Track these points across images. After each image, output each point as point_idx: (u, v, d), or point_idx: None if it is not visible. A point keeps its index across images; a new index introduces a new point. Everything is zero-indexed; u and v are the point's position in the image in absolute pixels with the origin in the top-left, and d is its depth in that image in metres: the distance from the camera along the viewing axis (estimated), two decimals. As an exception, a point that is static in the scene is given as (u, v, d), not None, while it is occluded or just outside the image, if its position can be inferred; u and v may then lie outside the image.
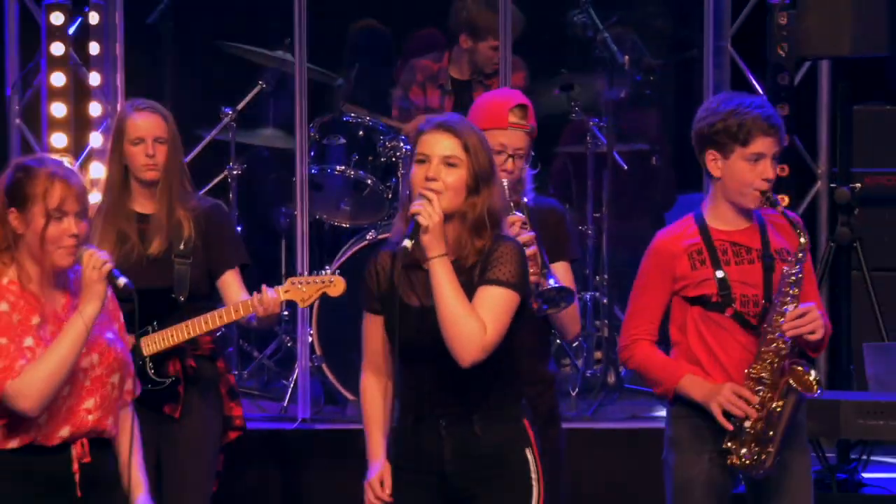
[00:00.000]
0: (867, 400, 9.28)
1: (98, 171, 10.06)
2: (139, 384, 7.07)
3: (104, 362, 6.78)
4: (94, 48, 10.33)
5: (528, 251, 7.24)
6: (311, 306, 9.75)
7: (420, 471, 6.95)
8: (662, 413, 8.35)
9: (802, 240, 7.39)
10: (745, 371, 7.43)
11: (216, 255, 8.51)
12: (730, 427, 7.40)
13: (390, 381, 7.04)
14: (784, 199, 7.68)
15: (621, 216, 10.79)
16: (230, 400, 8.70)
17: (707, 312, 7.55)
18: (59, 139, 10.20)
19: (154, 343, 8.31)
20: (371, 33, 11.32)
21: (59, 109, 10.27)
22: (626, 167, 10.77)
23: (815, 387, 7.37)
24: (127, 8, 10.32)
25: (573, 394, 10.39)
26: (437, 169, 6.70)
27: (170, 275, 8.46)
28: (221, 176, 10.64)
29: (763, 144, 7.44)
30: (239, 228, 9.74)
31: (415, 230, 6.66)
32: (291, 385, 10.19)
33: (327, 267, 8.75)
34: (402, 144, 10.37)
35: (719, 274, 7.54)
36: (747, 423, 7.39)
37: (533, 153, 7.85)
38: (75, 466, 6.75)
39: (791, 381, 7.39)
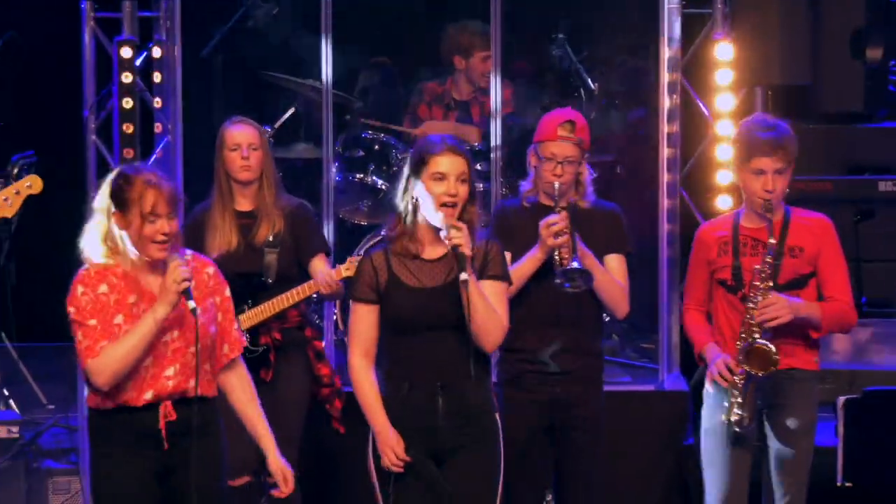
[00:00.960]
0: (881, 370, 9.40)
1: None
2: (238, 347, 7.06)
3: (183, 336, 6.79)
4: (156, 77, 10.31)
5: (561, 239, 7.45)
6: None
7: (411, 427, 6.99)
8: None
9: (771, 240, 7.43)
10: (738, 344, 7.48)
11: (304, 245, 8.65)
12: (724, 385, 7.48)
13: (372, 363, 7.12)
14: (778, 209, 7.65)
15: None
16: (317, 361, 8.87)
17: (727, 294, 7.60)
18: (127, 153, 10.22)
19: (248, 319, 8.47)
20: (383, 67, 11.27)
21: (127, 128, 10.28)
22: (595, 174, 10.77)
23: (771, 367, 7.39)
24: (184, 43, 10.30)
25: None
26: (456, 186, 6.83)
27: (260, 262, 8.55)
28: (262, 183, 10.61)
29: (764, 162, 7.49)
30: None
31: (462, 258, 6.77)
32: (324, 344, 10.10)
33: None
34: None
35: (735, 262, 7.58)
36: (733, 391, 7.47)
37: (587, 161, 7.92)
38: (161, 424, 6.77)
39: (745, 362, 7.43)
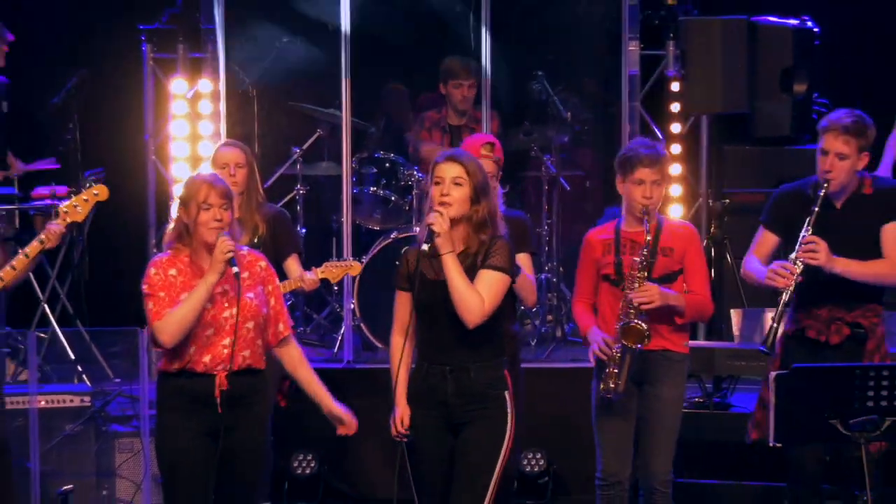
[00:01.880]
0: (733, 348, 9.34)
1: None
2: (289, 325, 7.09)
3: (241, 314, 6.80)
4: (205, 107, 10.30)
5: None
6: (353, 284, 9.79)
7: (430, 402, 6.92)
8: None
9: (648, 237, 7.43)
10: (615, 325, 7.45)
11: (281, 246, 8.52)
12: (603, 359, 7.48)
13: (411, 340, 6.97)
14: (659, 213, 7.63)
15: (566, 221, 10.71)
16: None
17: (611, 287, 7.56)
18: (180, 168, 10.21)
19: None
20: (395, 93, 11.23)
21: (180, 149, 10.28)
22: (568, 188, 10.74)
23: (644, 340, 7.39)
24: (228, 78, 10.30)
25: (532, 343, 10.30)
26: (449, 187, 6.77)
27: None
28: (292, 195, 10.60)
29: (643, 173, 7.44)
30: (304, 231, 9.69)
31: (430, 235, 6.68)
32: (339, 337, 10.14)
33: (353, 256, 9.23)
34: (415, 173, 10.37)
35: (618, 259, 7.54)
36: (607, 360, 7.45)
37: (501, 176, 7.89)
38: (217, 391, 6.76)
39: (622, 338, 7.42)
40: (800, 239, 7.41)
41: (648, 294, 7.39)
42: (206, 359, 6.78)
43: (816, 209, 7.46)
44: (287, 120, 10.73)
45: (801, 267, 7.39)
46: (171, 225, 6.99)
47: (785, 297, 7.42)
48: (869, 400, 6.94)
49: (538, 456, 9.49)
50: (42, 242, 8.38)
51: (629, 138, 10.14)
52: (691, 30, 10.24)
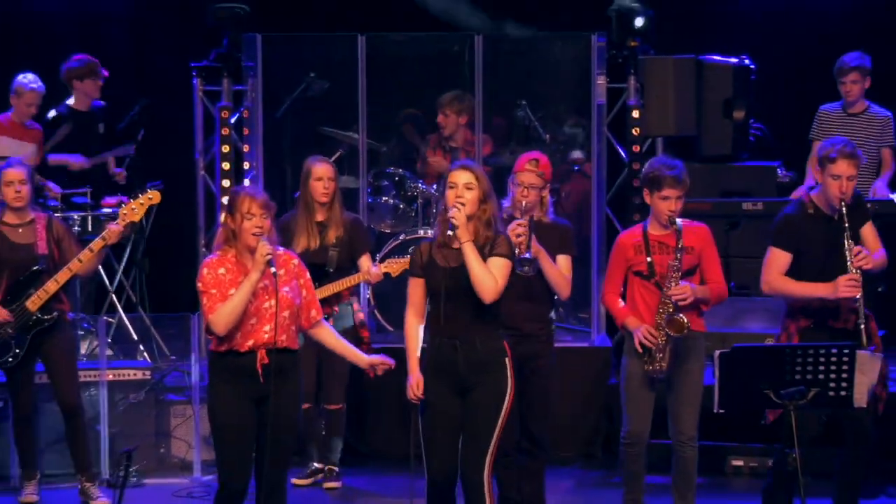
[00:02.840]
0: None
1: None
2: (321, 311, 7.15)
3: (279, 306, 6.84)
4: (245, 131, 10.31)
5: (520, 239, 7.40)
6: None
7: (443, 372, 6.91)
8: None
9: (681, 243, 7.46)
10: (657, 317, 7.47)
11: (357, 246, 8.75)
12: (640, 350, 7.51)
13: (422, 321, 7.02)
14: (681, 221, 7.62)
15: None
16: (360, 328, 8.95)
17: (642, 281, 7.57)
18: (224, 181, 10.19)
19: (324, 291, 8.55)
20: (415, 116, 11.16)
21: (225, 166, 10.26)
22: (554, 199, 10.75)
23: (685, 330, 7.43)
24: (264, 107, 10.28)
25: None
26: (462, 191, 6.84)
27: (325, 255, 8.64)
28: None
29: (669, 191, 7.48)
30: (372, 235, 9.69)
31: (452, 227, 6.77)
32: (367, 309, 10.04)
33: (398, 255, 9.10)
34: (419, 185, 10.35)
35: (648, 259, 7.55)
36: (653, 348, 7.46)
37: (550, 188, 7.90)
38: (258, 366, 6.78)
39: (667, 328, 7.44)
40: (852, 252, 7.41)
41: (685, 292, 7.45)
42: (250, 342, 6.81)
43: (846, 225, 7.44)
44: (313, 141, 10.67)
45: (861, 273, 7.43)
46: (220, 230, 7.01)
47: (861, 299, 7.43)
48: (797, 374, 6.95)
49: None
50: (104, 239, 8.50)
51: (597, 157, 10.17)
52: (648, 67, 10.22)
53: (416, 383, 6.93)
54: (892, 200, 9.64)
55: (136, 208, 8.61)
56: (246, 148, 10.42)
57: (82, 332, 10.03)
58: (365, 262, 8.75)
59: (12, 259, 8.54)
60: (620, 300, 7.68)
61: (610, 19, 10.41)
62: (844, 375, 7.00)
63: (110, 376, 9.32)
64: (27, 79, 10.13)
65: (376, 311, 10.00)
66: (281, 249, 7.01)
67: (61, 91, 10.42)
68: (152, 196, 8.65)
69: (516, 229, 7.39)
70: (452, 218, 6.81)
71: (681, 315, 7.46)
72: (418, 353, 7.00)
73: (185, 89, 10.55)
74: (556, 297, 7.95)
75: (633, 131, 10.29)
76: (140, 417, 9.42)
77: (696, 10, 10.76)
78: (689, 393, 7.68)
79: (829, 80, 10.01)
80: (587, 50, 10.20)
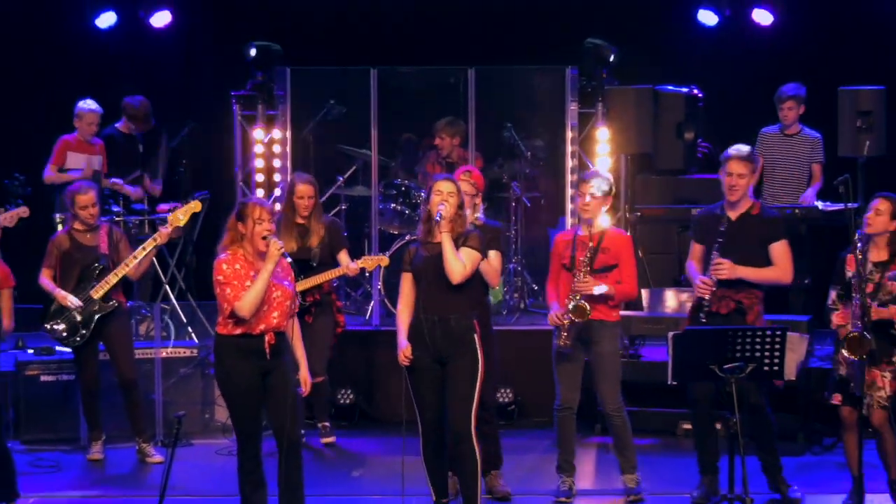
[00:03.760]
0: (643, 316, 9.27)
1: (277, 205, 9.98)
2: (297, 306, 7.11)
3: (282, 295, 6.83)
4: (276, 149, 10.28)
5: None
6: (378, 270, 9.73)
7: (423, 343, 7.01)
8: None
9: (591, 243, 7.48)
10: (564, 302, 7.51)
11: (335, 244, 8.66)
12: (554, 325, 7.52)
13: (411, 307, 7.08)
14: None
15: (527, 227, 10.65)
16: (337, 313, 8.91)
17: (566, 273, 7.56)
18: (259, 192, 10.17)
19: (301, 286, 8.33)
20: (409, 140, 11.16)
21: (259, 178, 10.24)
22: (529, 204, 10.70)
23: (586, 316, 7.44)
24: (293, 128, 10.25)
25: (504, 313, 10.18)
26: (446, 197, 6.94)
27: (309, 253, 8.58)
28: (337, 209, 10.51)
29: (585, 190, 7.55)
30: (346, 233, 9.60)
31: (440, 216, 6.94)
32: (370, 308, 10.05)
33: (381, 252, 9.25)
34: (422, 194, 10.28)
35: (571, 255, 7.57)
36: (560, 327, 7.51)
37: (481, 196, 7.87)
38: (266, 346, 6.78)
39: (571, 313, 7.46)
40: (712, 259, 7.42)
41: (586, 286, 7.45)
42: (262, 326, 6.83)
43: (720, 240, 7.47)
44: (333, 157, 10.67)
45: (715, 279, 7.43)
46: (227, 234, 6.98)
47: (707, 298, 7.46)
48: (738, 350, 6.94)
49: (508, 391, 9.46)
50: (154, 240, 8.61)
51: (570, 171, 10.17)
52: (613, 95, 10.20)
53: (403, 350, 7.05)
54: (816, 207, 9.64)
55: (181, 215, 8.69)
56: (277, 163, 10.40)
57: (140, 317, 10.02)
58: (343, 257, 8.71)
59: (81, 258, 8.64)
60: (555, 289, 7.69)
61: (581, 54, 10.39)
62: (777, 353, 7.00)
63: (163, 353, 9.33)
64: (87, 104, 10.16)
65: (385, 300, 9.97)
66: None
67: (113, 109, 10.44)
68: (195, 205, 8.75)
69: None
70: (441, 209, 6.96)
71: (584, 302, 7.43)
72: (406, 331, 7.07)
73: (226, 114, 10.55)
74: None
75: (600, 150, 10.30)
76: (188, 388, 9.42)
77: (653, 47, 10.73)
78: (605, 371, 7.66)
79: (769, 105, 10.02)
80: (562, 81, 10.17)
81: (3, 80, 10.87)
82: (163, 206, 10.13)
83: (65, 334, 8.63)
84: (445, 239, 6.98)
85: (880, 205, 7.32)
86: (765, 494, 7.71)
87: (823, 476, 8.27)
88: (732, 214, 7.56)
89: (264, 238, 6.86)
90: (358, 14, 10.81)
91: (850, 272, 7.30)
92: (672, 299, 9.49)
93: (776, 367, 7.02)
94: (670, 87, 10.21)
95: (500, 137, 10.71)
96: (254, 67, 10.36)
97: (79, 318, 8.59)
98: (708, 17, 10.65)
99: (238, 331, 6.83)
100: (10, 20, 10.78)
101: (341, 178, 10.55)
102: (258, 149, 10.23)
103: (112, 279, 8.59)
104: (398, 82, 10.47)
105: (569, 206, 10.16)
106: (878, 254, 7.33)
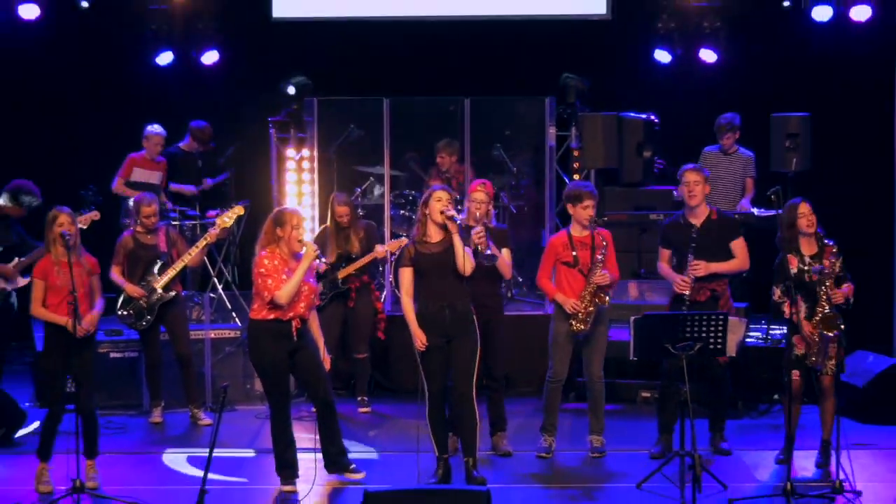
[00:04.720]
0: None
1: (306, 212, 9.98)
2: (318, 300, 7.17)
3: (309, 290, 6.85)
4: (305, 165, 10.24)
5: (480, 240, 7.23)
6: (389, 267, 9.72)
7: (433, 326, 6.98)
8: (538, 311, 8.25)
9: (605, 243, 7.53)
10: (580, 294, 7.48)
11: (371, 240, 8.78)
12: (575, 312, 7.49)
13: (412, 298, 7.04)
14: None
15: (514, 230, 10.48)
16: (377, 301, 8.99)
17: (568, 269, 7.56)
18: (291, 202, 10.14)
19: (344, 272, 8.65)
20: (412, 158, 11.10)
21: (291, 191, 10.22)
22: (514, 211, 10.68)
23: (606, 302, 7.52)
24: (319, 148, 10.25)
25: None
26: (446, 205, 6.86)
27: (349, 249, 8.66)
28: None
29: (588, 202, 7.53)
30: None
31: (456, 219, 6.93)
32: (384, 296, 9.90)
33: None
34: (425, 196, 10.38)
35: (574, 253, 7.54)
36: (579, 314, 7.46)
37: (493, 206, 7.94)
38: (293, 330, 6.81)
39: (595, 299, 7.50)
40: (688, 262, 7.48)
41: (605, 279, 7.51)
42: (291, 313, 6.88)
43: (694, 246, 7.55)
44: (352, 172, 10.68)
45: (693, 277, 7.50)
46: (263, 236, 7.00)
47: (688, 293, 7.50)
48: (689, 331, 6.96)
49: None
50: (206, 239, 8.66)
51: (549, 183, 10.16)
52: (585, 120, 10.18)
53: (419, 335, 7.00)
54: (752, 213, 9.67)
55: (227, 219, 8.74)
56: (307, 177, 10.40)
57: (192, 304, 10.03)
58: (378, 248, 8.79)
59: (144, 255, 8.67)
60: (550, 282, 7.68)
61: (558, 87, 10.39)
62: (720, 335, 7.02)
63: (212, 335, 9.33)
64: (154, 128, 10.17)
65: (396, 290, 9.96)
66: (304, 252, 7.05)
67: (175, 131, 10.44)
68: (238, 210, 8.82)
69: (478, 234, 7.32)
70: (453, 214, 6.95)
71: (602, 294, 7.53)
72: (415, 319, 7.01)
73: (264, 136, 10.53)
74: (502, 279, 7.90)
75: (574, 165, 10.31)
76: (232, 363, 9.42)
77: (618, 80, 10.75)
78: (598, 347, 7.70)
79: (712, 129, 10.04)
80: (542, 109, 10.16)
81: (80, 107, 10.87)
82: (212, 212, 10.14)
83: (133, 320, 8.65)
84: (456, 238, 6.98)
85: (803, 208, 7.40)
86: (709, 451, 7.74)
87: (759, 436, 8.30)
88: (696, 221, 7.63)
89: (300, 241, 6.89)
90: (373, 53, 10.81)
91: (793, 268, 7.31)
92: (633, 289, 9.52)
93: (720, 346, 7.05)
94: (632, 114, 10.21)
95: (490, 156, 10.70)
96: (287, 97, 10.37)
97: (144, 305, 8.61)
98: (663, 56, 10.66)
99: (271, 316, 6.86)
100: (86, 58, 10.77)
101: (359, 190, 10.50)
102: (290, 165, 10.23)
103: (170, 273, 8.61)
104: (406, 110, 10.45)
105: (548, 212, 10.16)
106: (810, 249, 7.34)
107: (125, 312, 8.65)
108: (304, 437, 7.52)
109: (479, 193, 7.61)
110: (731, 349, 7.24)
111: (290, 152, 10.30)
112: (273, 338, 6.90)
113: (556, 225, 10.11)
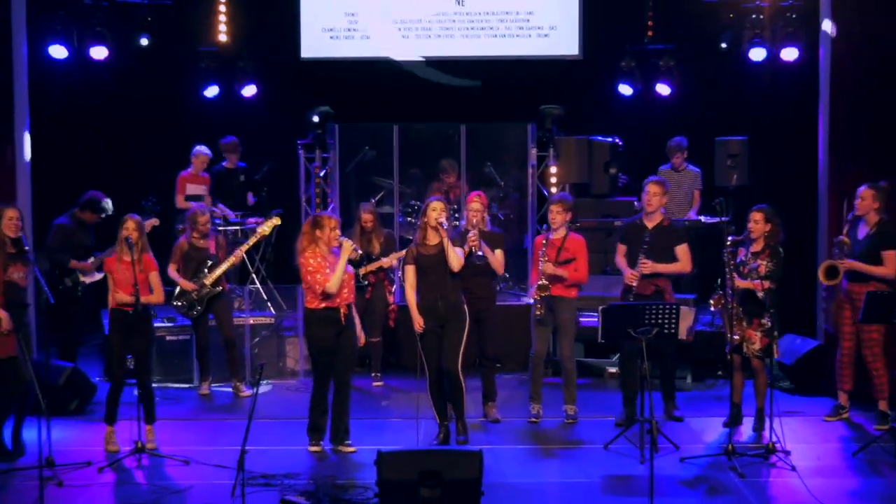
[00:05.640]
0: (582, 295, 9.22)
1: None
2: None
3: (349, 278, 6.87)
4: (328, 178, 10.24)
5: (475, 243, 7.23)
6: (400, 262, 9.68)
7: (431, 314, 6.97)
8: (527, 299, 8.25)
9: (568, 247, 7.51)
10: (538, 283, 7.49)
11: (389, 248, 8.69)
12: (533, 299, 7.47)
13: (415, 290, 7.01)
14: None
15: (507, 233, 10.68)
16: (389, 295, 8.89)
17: (544, 263, 7.53)
18: (318, 211, 10.14)
19: (364, 270, 8.55)
20: (415, 174, 11.05)
21: (318, 200, 10.20)
22: (502, 218, 10.64)
23: (547, 292, 7.45)
24: (340, 164, 10.26)
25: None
26: (440, 214, 6.81)
27: (371, 250, 8.57)
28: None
29: (553, 209, 7.60)
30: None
31: (443, 226, 6.89)
32: (393, 289, 9.98)
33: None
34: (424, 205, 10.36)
35: (542, 251, 7.57)
36: (533, 299, 7.49)
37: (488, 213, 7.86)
38: (342, 315, 6.82)
39: (541, 291, 7.48)
40: (639, 260, 7.42)
41: (546, 269, 7.47)
42: (338, 300, 6.87)
43: (645, 247, 7.51)
44: (368, 185, 10.65)
45: (640, 273, 7.47)
46: (302, 237, 6.96)
47: (635, 285, 7.48)
48: (647, 319, 6.96)
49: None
50: (248, 243, 8.57)
51: (531, 195, 10.18)
52: (561, 143, 10.18)
53: (419, 320, 7.02)
54: (700, 220, 9.68)
55: (265, 227, 8.72)
56: (329, 190, 10.40)
57: (235, 297, 10.02)
58: (386, 259, 8.73)
59: (196, 256, 8.70)
60: (537, 273, 7.67)
61: (538, 115, 10.37)
62: (673, 321, 7.02)
63: (251, 321, 9.33)
64: (201, 148, 10.16)
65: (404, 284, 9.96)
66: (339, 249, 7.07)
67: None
68: (274, 220, 8.78)
69: (472, 238, 7.35)
70: (444, 224, 6.88)
71: (547, 283, 7.49)
72: (416, 308, 7.03)
73: (294, 156, 10.54)
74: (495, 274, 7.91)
75: (552, 180, 10.31)
76: (268, 345, 9.42)
77: (588, 109, 10.75)
78: (566, 332, 7.69)
79: (665, 150, 10.05)
80: (525, 133, 10.19)
81: (141, 132, 10.88)
82: (251, 220, 10.14)
83: (185, 309, 8.66)
84: (447, 243, 6.97)
85: (756, 215, 7.35)
86: (663, 418, 7.74)
87: (706, 405, 8.31)
88: (650, 224, 7.63)
89: (338, 239, 6.89)
90: (384, 87, 10.80)
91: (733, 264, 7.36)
92: (601, 284, 9.49)
93: (673, 331, 7.05)
94: (599, 138, 10.21)
95: (482, 172, 10.70)
96: (313, 124, 10.36)
97: (195, 298, 8.61)
98: (626, 90, 10.67)
99: (323, 305, 6.87)
100: (147, 91, 10.74)
101: (373, 200, 10.42)
102: (316, 180, 10.23)
103: (218, 271, 8.61)
104: (412, 134, 10.48)
105: (531, 220, 10.16)
106: (756, 247, 7.38)
107: (179, 303, 8.65)
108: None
109: (476, 203, 7.61)
110: (683, 333, 7.25)
111: (316, 169, 10.29)
112: (325, 324, 6.90)
113: (538, 230, 10.13)
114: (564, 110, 10.44)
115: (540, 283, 7.51)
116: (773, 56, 9.82)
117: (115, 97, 10.69)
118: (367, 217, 8.85)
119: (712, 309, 7.53)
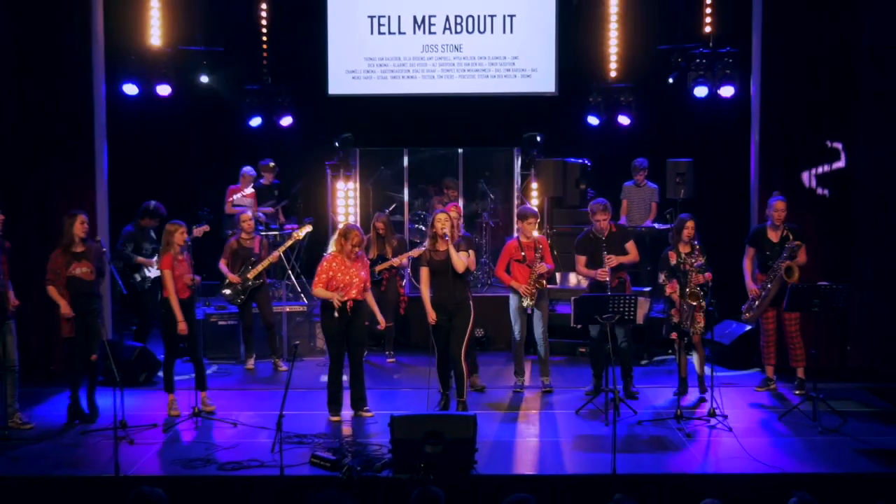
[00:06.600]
0: (557, 288, 9.17)
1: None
2: (369, 286, 6.95)
3: (359, 280, 6.78)
4: (352, 195, 10.11)
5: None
6: (409, 260, 9.65)
7: (441, 307, 6.91)
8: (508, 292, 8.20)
9: (540, 246, 7.38)
10: (528, 280, 7.36)
11: (400, 251, 8.55)
12: (524, 295, 7.34)
13: (429, 287, 6.93)
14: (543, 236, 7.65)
15: (493, 239, 10.56)
16: (400, 288, 8.78)
17: (519, 264, 7.47)
18: (341, 219, 10.11)
19: (380, 268, 8.43)
20: (422, 189, 11.00)
21: (341, 211, 10.16)
22: (493, 225, 10.69)
23: (545, 285, 7.36)
24: (360, 183, 10.21)
25: (478, 286, 10.07)
26: (447, 223, 6.76)
27: (384, 252, 8.45)
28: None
29: (532, 220, 7.44)
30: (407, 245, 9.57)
31: (445, 234, 6.82)
32: (404, 282, 9.95)
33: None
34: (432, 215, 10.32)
35: (523, 254, 7.46)
36: (528, 294, 7.31)
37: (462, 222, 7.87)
38: (348, 309, 6.73)
39: (536, 284, 7.38)
40: (605, 257, 7.41)
41: (542, 269, 7.43)
42: (349, 295, 6.81)
43: (604, 246, 7.48)
44: (385, 198, 10.63)
45: (608, 268, 7.42)
46: (332, 244, 6.93)
47: (609, 279, 7.41)
48: (611, 307, 6.96)
49: (481, 330, 9.38)
50: (285, 245, 8.56)
51: (516, 208, 10.11)
52: (540, 164, 10.11)
53: (432, 313, 6.97)
54: (654, 226, 9.69)
55: (299, 233, 8.70)
56: (351, 201, 10.37)
57: (274, 289, 10.00)
58: (397, 259, 8.65)
59: (243, 254, 8.70)
60: (506, 273, 7.62)
61: (522, 140, 10.33)
62: (632, 309, 7.03)
63: (287, 309, 9.32)
64: (247, 169, 10.19)
65: (415, 281, 9.94)
66: (361, 252, 7.04)
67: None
68: (308, 228, 8.76)
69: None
70: (446, 231, 6.84)
71: (539, 280, 7.46)
72: (430, 304, 6.96)
73: (322, 174, 10.51)
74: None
75: (533, 194, 10.29)
76: (301, 328, 9.41)
77: (563, 136, 10.73)
78: (543, 316, 7.64)
79: (628, 169, 10.04)
80: (511, 156, 10.19)
81: (197, 154, 10.88)
82: (288, 227, 10.14)
83: (232, 298, 8.66)
84: (452, 249, 6.96)
85: (690, 223, 7.42)
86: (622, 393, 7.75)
87: (658, 379, 8.32)
88: (602, 235, 7.64)
89: (357, 251, 6.86)
90: (396, 117, 10.78)
91: (672, 261, 7.34)
92: (573, 279, 9.50)
93: (632, 317, 7.06)
94: (572, 159, 10.17)
95: (476, 188, 10.68)
96: (338, 147, 10.38)
97: (240, 289, 8.62)
98: (594, 120, 10.68)
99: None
100: (203, 121, 10.75)
101: (388, 210, 10.41)
102: (340, 194, 10.22)
103: (259, 268, 8.62)
104: (419, 156, 10.49)
105: (515, 226, 10.12)
106: (684, 249, 7.40)
107: (227, 293, 8.66)
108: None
109: (453, 212, 7.60)
110: (640, 319, 7.27)
111: (340, 185, 10.29)
112: (333, 314, 6.87)
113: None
114: (543, 137, 10.44)
115: (536, 280, 7.52)
116: (713, 93, 9.86)
117: (176, 126, 10.71)
118: (379, 224, 8.85)
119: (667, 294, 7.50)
